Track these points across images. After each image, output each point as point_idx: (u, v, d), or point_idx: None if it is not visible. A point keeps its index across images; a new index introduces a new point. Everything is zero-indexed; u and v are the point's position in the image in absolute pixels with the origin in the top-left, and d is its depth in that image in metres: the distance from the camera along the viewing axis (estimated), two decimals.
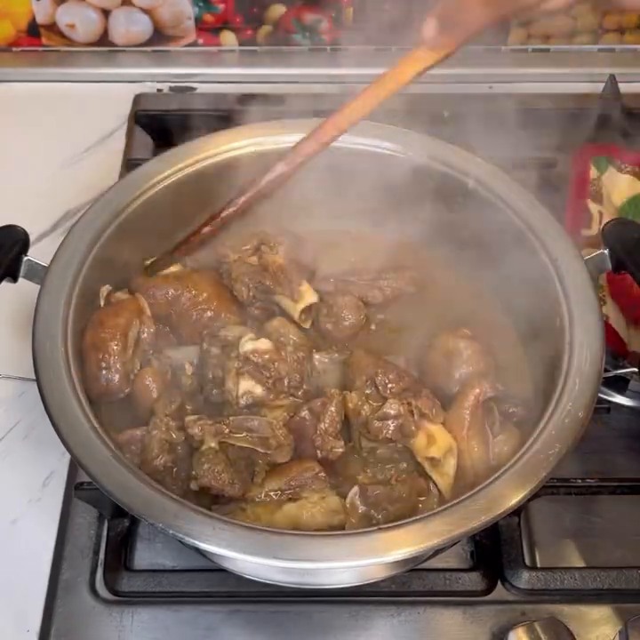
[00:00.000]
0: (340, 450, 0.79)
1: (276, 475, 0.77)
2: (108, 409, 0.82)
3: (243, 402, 0.80)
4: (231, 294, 0.90)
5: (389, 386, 0.80)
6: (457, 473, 0.79)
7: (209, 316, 0.88)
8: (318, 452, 0.79)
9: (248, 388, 0.81)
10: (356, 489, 0.77)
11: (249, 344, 0.82)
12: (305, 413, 0.80)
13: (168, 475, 0.77)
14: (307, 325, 0.90)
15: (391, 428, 0.79)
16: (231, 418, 0.79)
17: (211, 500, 0.76)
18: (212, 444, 0.77)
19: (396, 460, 0.80)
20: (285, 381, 0.82)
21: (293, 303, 0.89)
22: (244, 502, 0.76)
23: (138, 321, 0.85)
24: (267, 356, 0.81)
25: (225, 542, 0.66)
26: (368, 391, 0.81)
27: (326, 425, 0.79)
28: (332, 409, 0.79)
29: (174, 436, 0.78)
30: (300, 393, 0.82)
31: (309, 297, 0.90)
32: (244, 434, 0.78)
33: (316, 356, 0.85)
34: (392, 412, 0.79)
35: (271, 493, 0.76)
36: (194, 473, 0.77)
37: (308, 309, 0.90)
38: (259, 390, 0.81)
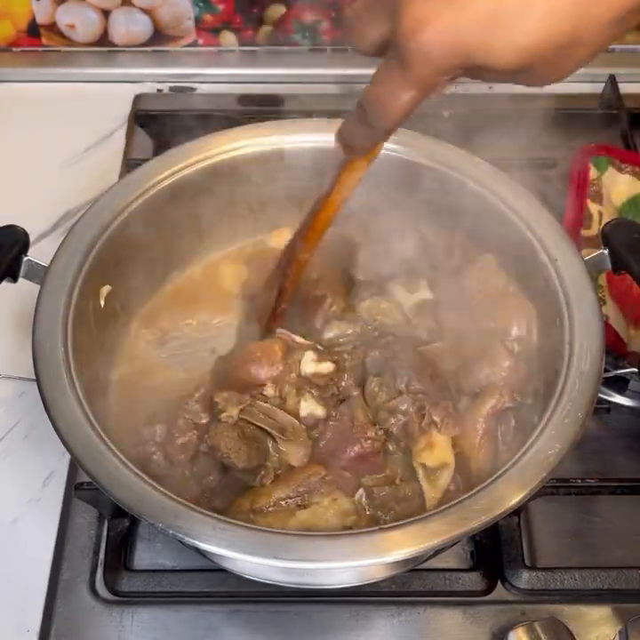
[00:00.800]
0: (383, 435, 0.79)
1: (283, 482, 0.77)
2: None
3: (307, 424, 0.80)
4: (342, 276, 0.90)
5: (406, 380, 0.79)
6: (462, 478, 0.78)
7: (316, 296, 0.88)
8: (362, 443, 0.78)
9: (310, 409, 0.80)
10: (361, 491, 0.77)
11: (310, 366, 0.81)
12: (336, 419, 0.80)
13: (187, 466, 0.78)
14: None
15: (396, 423, 0.79)
16: (259, 402, 0.79)
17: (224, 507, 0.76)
18: (234, 413, 0.78)
19: (394, 455, 0.80)
20: (342, 393, 0.82)
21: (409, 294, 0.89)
22: (253, 514, 0.75)
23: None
24: (327, 377, 0.81)
25: (225, 542, 0.66)
26: (390, 381, 0.81)
27: (362, 419, 0.79)
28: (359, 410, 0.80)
29: (200, 417, 0.79)
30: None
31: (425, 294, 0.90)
32: (264, 417, 0.78)
33: (367, 358, 0.84)
34: (401, 407, 0.79)
35: (280, 502, 0.75)
36: (207, 435, 0.78)
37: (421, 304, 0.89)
38: (320, 411, 0.80)
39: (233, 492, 0.78)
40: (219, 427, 0.78)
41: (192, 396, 0.81)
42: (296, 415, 0.80)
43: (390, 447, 0.80)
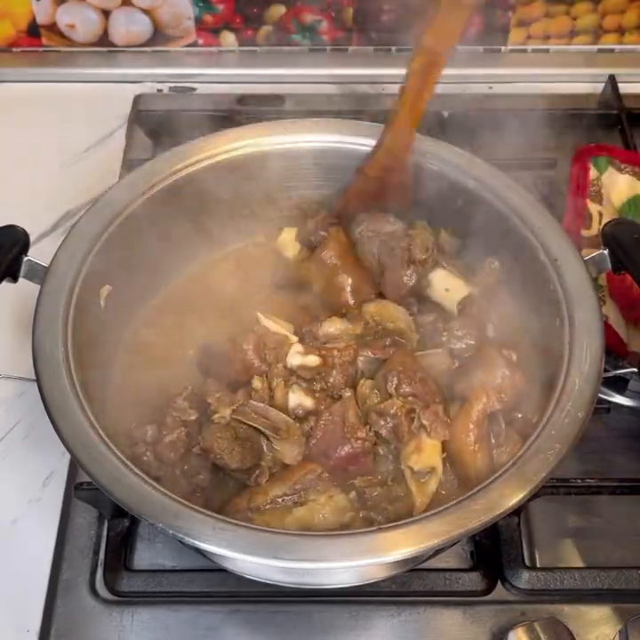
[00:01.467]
0: (374, 437, 0.79)
1: (279, 480, 0.77)
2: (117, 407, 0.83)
3: (295, 415, 0.80)
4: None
5: (395, 384, 0.79)
6: (460, 483, 0.79)
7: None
8: (352, 443, 0.78)
9: (299, 401, 0.80)
10: (353, 494, 0.77)
11: (296, 358, 0.82)
12: (327, 418, 0.80)
13: (177, 464, 0.78)
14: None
15: (385, 426, 0.79)
16: (251, 402, 0.79)
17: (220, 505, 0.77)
18: (226, 414, 0.78)
19: (385, 459, 0.80)
20: (331, 389, 0.82)
21: (449, 294, 0.89)
22: (250, 512, 0.75)
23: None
24: (314, 370, 0.81)
25: (225, 542, 0.66)
26: (381, 383, 0.81)
27: (352, 420, 0.79)
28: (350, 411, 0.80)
29: (189, 414, 0.79)
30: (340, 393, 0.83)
31: (464, 290, 0.89)
32: (257, 416, 0.78)
33: (360, 358, 0.84)
34: (390, 410, 0.79)
35: (277, 499, 0.76)
36: (200, 437, 0.78)
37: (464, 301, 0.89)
38: (309, 402, 0.80)
39: (228, 490, 0.79)
40: (211, 428, 0.78)
41: (180, 393, 0.81)
42: (285, 408, 0.80)
43: (380, 450, 0.80)
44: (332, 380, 0.81)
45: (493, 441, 0.80)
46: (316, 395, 0.81)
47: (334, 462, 0.78)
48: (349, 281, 0.90)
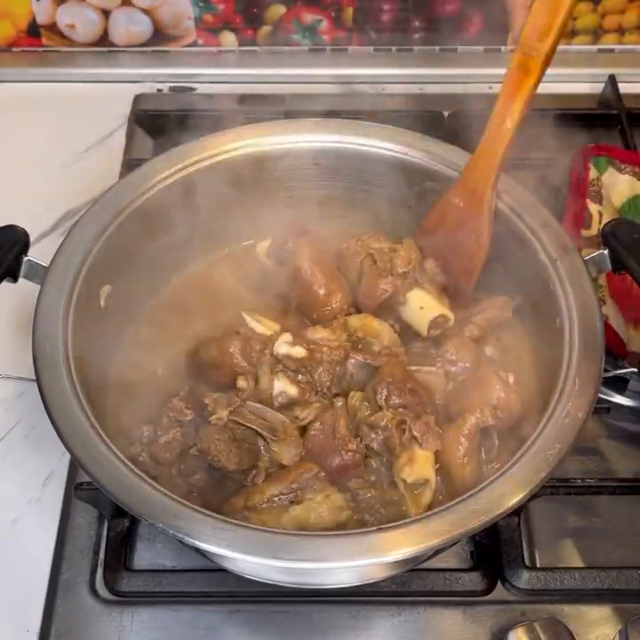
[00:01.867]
0: (364, 449, 0.79)
1: (276, 480, 0.77)
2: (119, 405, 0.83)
3: (278, 402, 0.80)
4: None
5: (385, 395, 0.79)
6: (448, 494, 0.78)
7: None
8: (342, 455, 0.78)
9: (283, 388, 0.80)
10: (347, 495, 0.77)
11: (283, 347, 0.82)
12: (318, 428, 0.79)
13: (174, 464, 0.78)
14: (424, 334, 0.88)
15: (376, 439, 0.78)
16: (249, 403, 0.79)
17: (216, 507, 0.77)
18: (223, 415, 0.78)
19: (378, 471, 0.80)
20: (316, 383, 0.82)
21: (422, 312, 0.88)
22: (247, 511, 0.75)
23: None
24: (299, 362, 0.81)
25: (225, 542, 0.66)
26: (370, 396, 0.80)
27: (343, 431, 0.79)
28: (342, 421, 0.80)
29: (185, 414, 0.79)
30: (329, 394, 0.82)
31: (437, 310, 0.88)
32: (254, 417, 0.78)
33: (351, 361, 0.83)
34: (381, 422, 0.78)
35: (274, 499, 0.76)
36: (197, 438, 0.78)
37: (435, 323, 0.87)
38: (293, 391, 0.80)
39: (225, 490, 0.79)
40: (208, 429, 0.78)
41: (176, 393, 0.81)
42: (269, 396, 0.80)
43: (373, 463, 0.79)
44: (317, 375, 0.81)
45: (484, 456, 0.79)
46: (301, 386, 0.81)
47: (325, 472, 0.78)
48: (322, 292, 0.89)
